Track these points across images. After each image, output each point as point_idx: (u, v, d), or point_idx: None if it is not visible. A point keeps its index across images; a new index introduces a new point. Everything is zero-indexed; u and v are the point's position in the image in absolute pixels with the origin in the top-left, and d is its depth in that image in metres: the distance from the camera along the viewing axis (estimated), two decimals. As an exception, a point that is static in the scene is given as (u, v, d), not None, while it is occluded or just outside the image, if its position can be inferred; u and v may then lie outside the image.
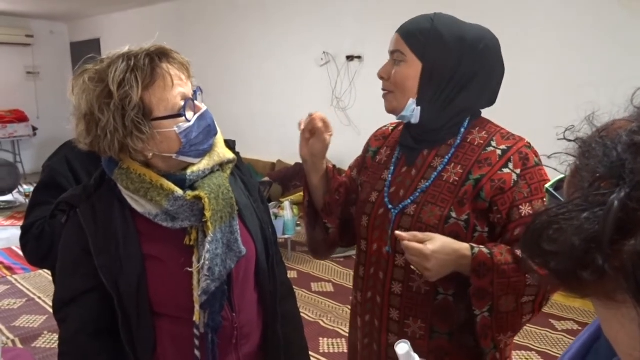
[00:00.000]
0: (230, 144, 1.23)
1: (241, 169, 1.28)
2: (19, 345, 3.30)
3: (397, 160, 1.28)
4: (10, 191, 7.08)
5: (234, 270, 1.14)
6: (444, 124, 1.21)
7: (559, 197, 0.49)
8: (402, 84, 1.19)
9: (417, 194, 1.19)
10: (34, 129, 8.75)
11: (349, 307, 1.42)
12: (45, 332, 3.44)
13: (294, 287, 1.42)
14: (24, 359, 2.21)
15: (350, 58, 5.71)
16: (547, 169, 1.13)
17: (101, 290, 1.06)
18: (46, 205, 1.53)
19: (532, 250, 0.45)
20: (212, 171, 1.14)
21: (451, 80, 1.17)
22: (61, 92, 1.82)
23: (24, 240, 1.58)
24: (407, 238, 1.08)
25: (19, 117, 8.66)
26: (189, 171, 1.10)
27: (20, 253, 2.04)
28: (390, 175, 1.27)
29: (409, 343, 0.81)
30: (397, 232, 1.10)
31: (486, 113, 1.26)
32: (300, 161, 1.33)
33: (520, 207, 1.12)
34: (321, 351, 3.21)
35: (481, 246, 1.11)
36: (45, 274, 4.40)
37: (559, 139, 0.50)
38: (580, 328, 3.40)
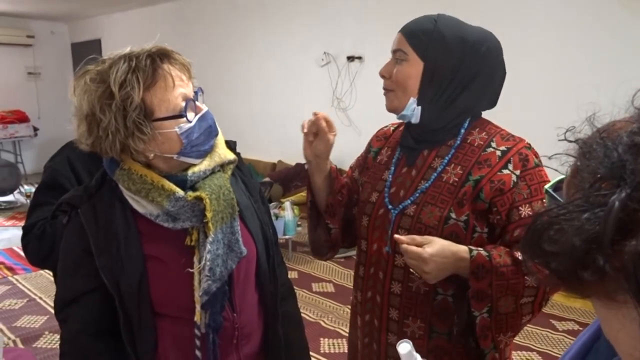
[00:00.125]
0: (231, 145, 1.23)
1: (242, 169, 1.28)
2: (20, 346, 3.30)
3: (397, 160, 1.29)
4: (11, 191, 7.10)
5: (234, 271, 1.15)
6: (444, 124, 1.21)
7: (558, 198, 0.49)
8: (404, 83, 1.20)
9: (417, 195, 1.19)
10: (35, 129, 8.76)
11: (350, 307, 1.43)
12: (47, 333, 3.44)
13: (294, 287, 1.42)
14: (25, 359, 2.22)
15: (350, 58, 5.71)
16: (547, 169, 1.13)
17: (102, 291, 1.07)
18: (47, 205, 1.54)
19: (533, 250, 0.45)
20: (213, 172, 1.14)
21: (452, 80, 1.17)
22: (62, 92, 1.83)
23: (25, 240, 1.58)
24: (406, 241, 1.08)
25: (20, 118, 8.67)
26: (190, 172, 1.10)
27: (22, 253, 2.04)
28: (390, 176, 1.27)
29: (411, 343, 0.81)
30: (396, 236, 1.11)
31: (486, 113, 1.27)
32: (300, 161, 1.33)
33: (520, 208, 1.12)
34: (322, 351, 3.20)
35: (480, 248, 1.11)
36: (47, 275, 4.40)
37: (559, 140, 0.50)
38: (581, 328, 3.39)
